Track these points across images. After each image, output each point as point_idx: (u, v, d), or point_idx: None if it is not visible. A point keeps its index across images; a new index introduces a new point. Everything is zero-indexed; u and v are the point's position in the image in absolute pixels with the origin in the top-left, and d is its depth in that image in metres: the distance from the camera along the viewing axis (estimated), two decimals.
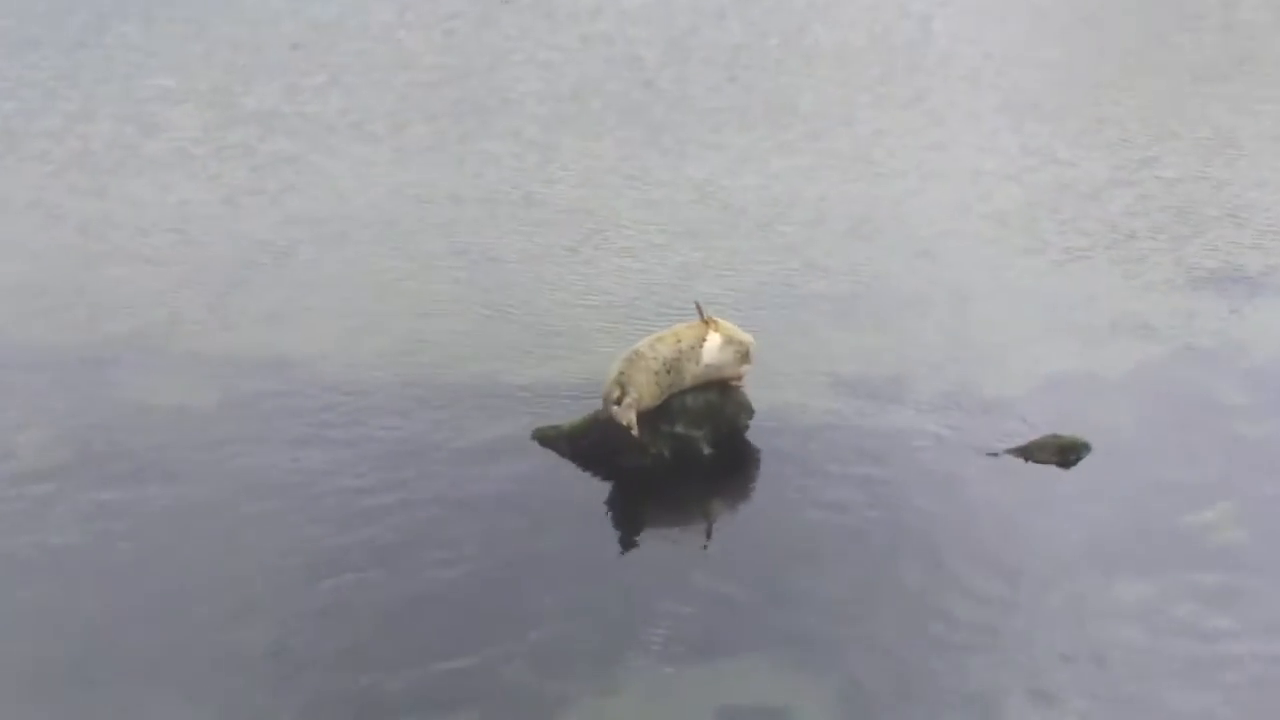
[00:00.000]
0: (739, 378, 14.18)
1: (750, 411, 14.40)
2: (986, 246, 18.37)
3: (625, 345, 14.14)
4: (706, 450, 14.00)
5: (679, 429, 13.91)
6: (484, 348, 15.68)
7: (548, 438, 14.03)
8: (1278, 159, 21.27)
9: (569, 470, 13.76)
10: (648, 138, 21.11)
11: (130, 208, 19.26)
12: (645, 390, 13.45)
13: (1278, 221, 19.24)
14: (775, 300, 16.92)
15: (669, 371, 13.66)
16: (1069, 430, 14.24)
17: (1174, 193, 19.69)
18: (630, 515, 13.31)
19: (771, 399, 14.67)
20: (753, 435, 14.38)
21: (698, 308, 13.93)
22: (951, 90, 22.71)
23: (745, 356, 14.18)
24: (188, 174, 20.19)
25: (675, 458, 13.82)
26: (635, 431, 13.24)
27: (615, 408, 13.31)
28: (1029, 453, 14.00)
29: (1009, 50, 24.01)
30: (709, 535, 13.10)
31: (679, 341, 13.64)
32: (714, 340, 13.73)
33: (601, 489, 13.60)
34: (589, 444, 13.89)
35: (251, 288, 17.11)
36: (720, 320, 14.18)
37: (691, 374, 13.82)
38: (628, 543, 12.89)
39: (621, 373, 13.41)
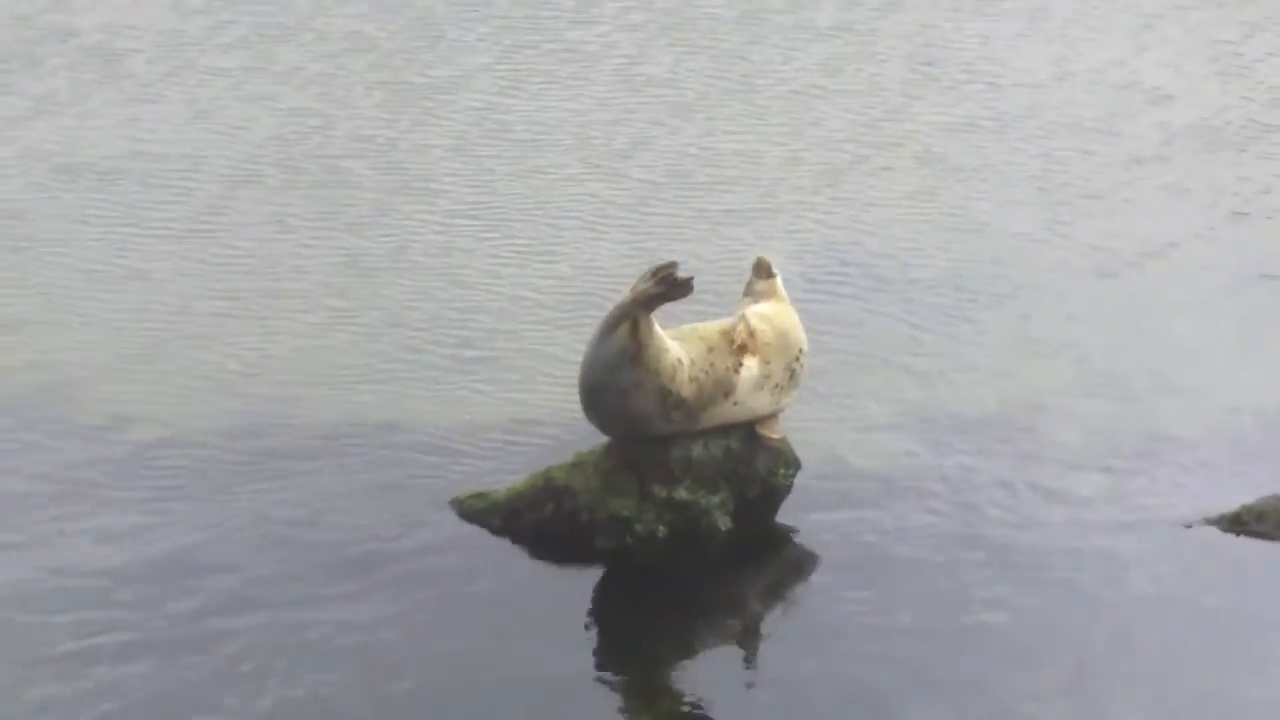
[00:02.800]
0: (776, 419, 12.00)
1: (792, 464, 11.95)
2: (1149, 216, 16.54)
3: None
4: (724, 525, 11.62)
5: (682, 493, 11.51)
6: (371, 380, 13.72)
7: (473, 511, 11.73)
8: None
9: (504, 558, 11.45)
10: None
11: None
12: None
13: None
14: (829, 286, 15.00)
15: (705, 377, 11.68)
16: None
17: None
18: (607, 632, 11.01)
19: (823, 442, 12.66)
20: (797, 500, 11.99)
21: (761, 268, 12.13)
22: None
23: (790, 377, 11.94)
24: None
25: (676, 537, 11.51)
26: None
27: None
28: (1243, 521, 11.81)
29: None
30: (729, 663, 10.63)
31: (711, 352, 11.64)
32: (752, 367, 11.73)
33: (555, 590, 11.29)
34: (536, 519, 11.57)
35: (101, 318, 15.03)
36: (755, 320, 11.99)
37: (716, 413, 11.71)
38: (602, 676, 10.49)
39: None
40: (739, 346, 11.67)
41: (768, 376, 11.69)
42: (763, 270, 11.97)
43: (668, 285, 11.30)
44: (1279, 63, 20.98)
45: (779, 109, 19.21)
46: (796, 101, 19.38)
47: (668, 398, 11.36)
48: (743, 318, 11.78)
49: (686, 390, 11.39)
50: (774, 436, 11.83)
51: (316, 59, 20.49)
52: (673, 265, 11.36)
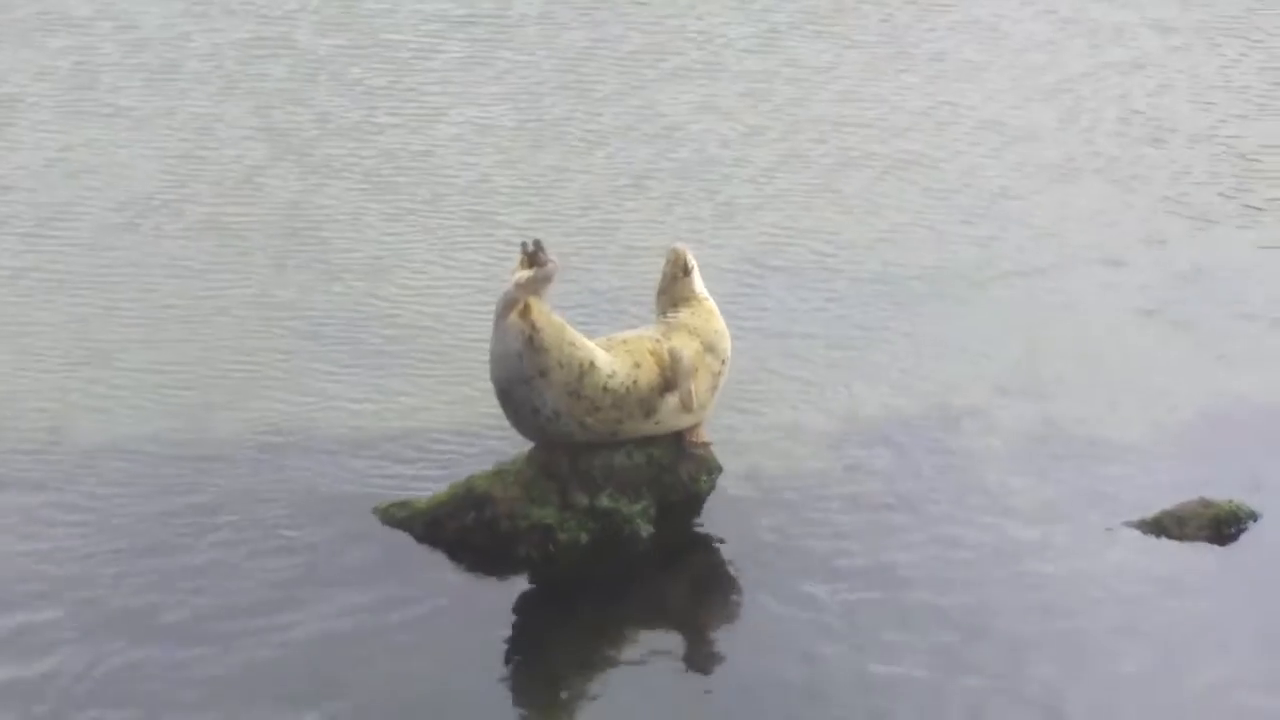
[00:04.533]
0: (701, 424, 11.92)
1: (715, 469, 11.99)
2: (1075, 220, 16.39)
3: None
4: (646, 532, 11.58)
5: (604, 501, 11.54)
6: (291, 388, 13.55)
7: (396, 519, 11.70)
8: None
9: (426, 566, 11.38)
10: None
11: None
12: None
13: None
14: (753, 289, 14.86)
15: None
16: (1222, 493, 12.07)
17: None
18: (529, 639, 10.92)
19: (745, 448, 12.61)
20: (718, 506, 11.99)
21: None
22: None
23: (713, 388, 11.86)
24: None
25: (598, 545, 11.51)
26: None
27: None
28: (1164, 526, 11.85)
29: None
30: (651, 672, 10.57)
31: (637, 368, 11.54)
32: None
33: (482, 598, 11.17)
34: (458, 527, 11.49)
35: None
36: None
37: (636, 428, 11.68)
38: (525, 685, 10.50)
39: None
40: (663, 375, 11.59)
41: (692, 393, 11.61)
42: (680, 266, 11.77)
43: (533, 260, 11.30)
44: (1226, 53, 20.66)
45: (700, 104, 18.79)
46: (717, 98, 18.99)
47: (579, 399, 11.29)
48: (671, 352, 11.56)
49: (600, 399, 11.32)
50: (701, 442, 11.74)
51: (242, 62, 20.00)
52: (533, 243, 11.37)
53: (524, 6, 21.53)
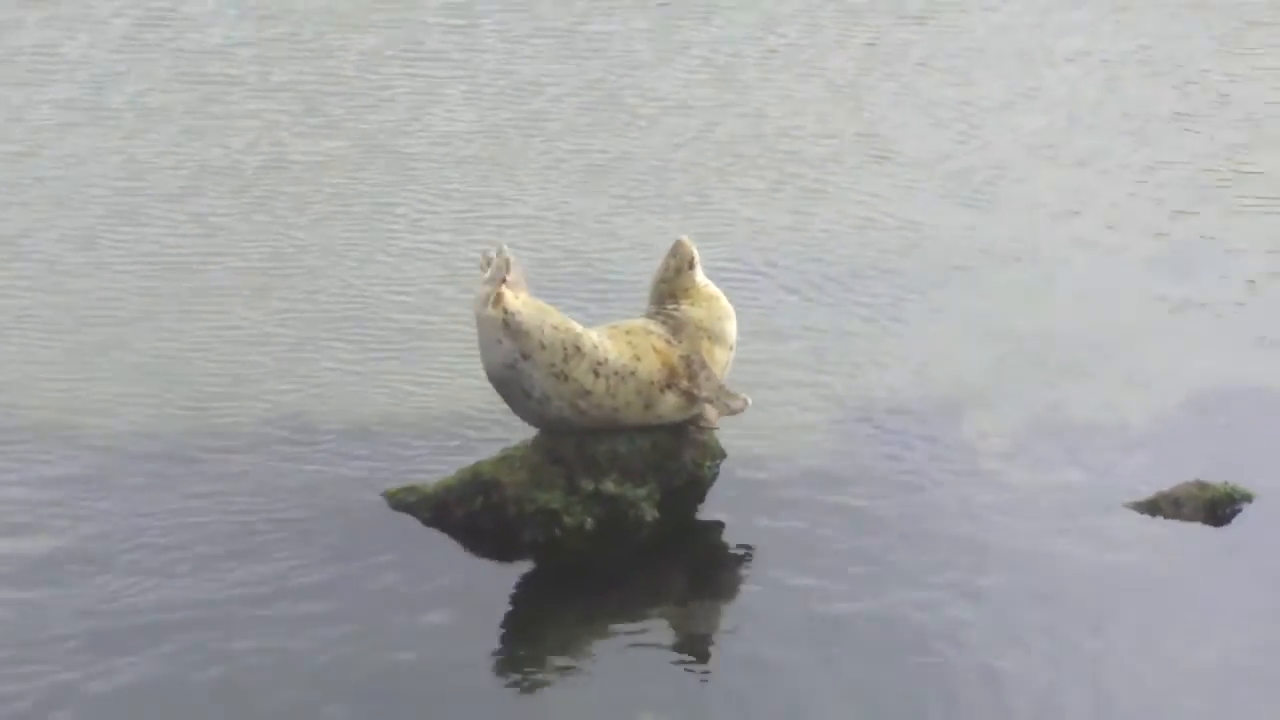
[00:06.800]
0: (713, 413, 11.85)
1: (717, 454, 11.97)
2: (1073, 214, 16.36)
3: None
4: (651, 517, 11.58)
5: (609, 486, 11.54)
6: (299, 376, 13.51)
7: (405, 503, 11.74)
8: None
9: (434, 550, 11.41)
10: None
11: None
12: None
13: None
14: (757, 280, 14.89)
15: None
16: (1218, 476, 12.09)
17: None
18: (536, 621, 11.02)
19: (748, 432, 12.41)
20: (721, 491, 11.98)
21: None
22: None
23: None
24: None
25: (603, 529, 11.52)
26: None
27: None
28: (1160, 508, 11.91)
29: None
30: (655, 652, 10.61)
31: (637, 360, 11.61)
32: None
33: (489, 582, 11.22)
34: (466, 512, 11.55)
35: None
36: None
37: (636, 417, 11.72)
38: (530, 664, 10.48)
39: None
40: (671, 376, 11.59)
41: (700, 390, 11.67)
42: (685, 259, 11.73)
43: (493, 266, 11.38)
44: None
45: (698, 101, 18.74)
46: (718, 93, 18.95)
47: (566, 380, 11.29)
48: (684, 358, 11.56)
49: (591, 383, 11.33)
50: (709, 426, 11.73)
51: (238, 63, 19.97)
52: (495, 249, 11.45)
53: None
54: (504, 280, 11.43)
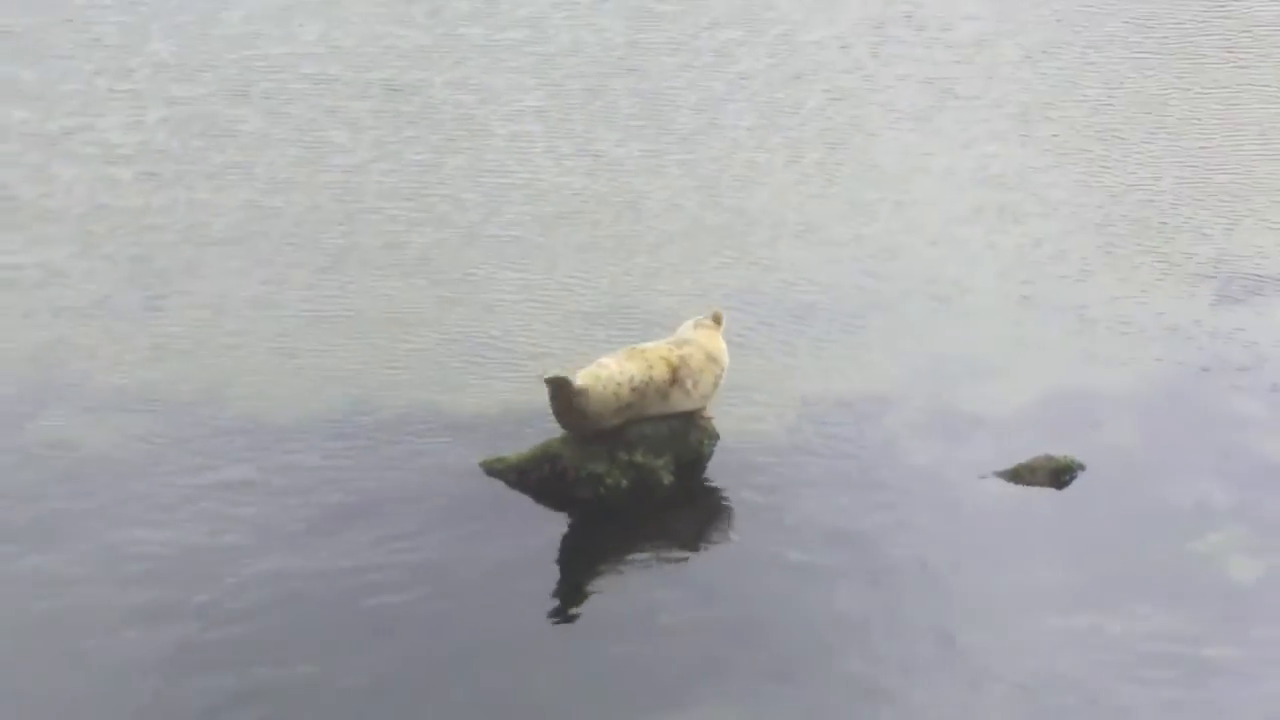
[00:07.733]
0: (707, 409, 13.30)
1: (714, 437, 13.38)
2: (968, 254, 17.09)
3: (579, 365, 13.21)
4: (668, 480, 13.02)
5: (638, 457, 12.93)
6: (419, 373, 14.56)
7: (495, 470, 13.07)
8: None
9: (519, 503, 12.77)
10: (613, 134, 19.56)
11: None
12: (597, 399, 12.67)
13: None
14: (742, 311, 15.59)
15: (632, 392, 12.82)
16: (1064, 449, 13.36)
17: (1172, 192, 18.38)
18: (587, 551, 12.50)
19: (736, 421, 13.71)
20: (718, 462, 13.39)
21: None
22: (930, 92, 21.23)
23: (715, 386, 13.34)
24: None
25: (634, 488, 12.88)
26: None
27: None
28: (1020, 475, 13.16)
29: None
30: (671, 572, 12.25)
31: (650, 368, 12.82)
32: (684, 385, 13.01)
33: (555, 523, 12.66)
34: (538, 476, 12.95)
35: (145, 313, 15.59)
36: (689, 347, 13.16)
37: (655, 409, 13.08)
38: (583, 580, 12.10)
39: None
40: (674, 374, 12.86)
41: (696, 386, 13.05)
42: (717, 320, 13.16)
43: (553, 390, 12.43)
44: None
45: (681, 142, 19.40)
46: (698, 132, 19.60)
47: (617, 404, 12.70)
48: (681, 356, 12.92)
49: (629, 397, 12.75)
50: (707, 417, 13.20)
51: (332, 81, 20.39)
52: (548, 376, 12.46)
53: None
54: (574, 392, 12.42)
